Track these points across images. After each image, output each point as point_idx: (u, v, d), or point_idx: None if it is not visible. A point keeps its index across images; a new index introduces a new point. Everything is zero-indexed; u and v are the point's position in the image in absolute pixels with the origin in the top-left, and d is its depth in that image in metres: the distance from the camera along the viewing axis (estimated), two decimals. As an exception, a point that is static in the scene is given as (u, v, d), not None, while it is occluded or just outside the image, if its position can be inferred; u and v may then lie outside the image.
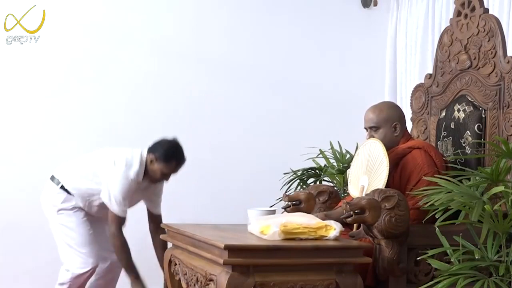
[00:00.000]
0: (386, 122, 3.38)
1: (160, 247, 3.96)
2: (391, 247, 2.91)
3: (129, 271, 3.87)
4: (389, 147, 3.32)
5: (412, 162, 3.25)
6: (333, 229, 2.86)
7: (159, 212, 4.12)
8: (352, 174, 3.41)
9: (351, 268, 2.79)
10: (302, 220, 2.90)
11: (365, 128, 3.44)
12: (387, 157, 3.15)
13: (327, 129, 5.08)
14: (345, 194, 4.17)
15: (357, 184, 3.30)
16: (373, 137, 3.38)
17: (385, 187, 3.12)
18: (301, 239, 2.81)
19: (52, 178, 3.99)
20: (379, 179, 3.15)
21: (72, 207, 3.93)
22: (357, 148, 4.30)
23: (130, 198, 3.85)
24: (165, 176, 3.93)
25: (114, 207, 3.80)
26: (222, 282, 2.64)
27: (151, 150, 3.90)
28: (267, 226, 2.85)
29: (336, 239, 2.85)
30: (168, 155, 3.85)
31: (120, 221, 3.84)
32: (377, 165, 3.19)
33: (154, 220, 4.08)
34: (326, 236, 2.84)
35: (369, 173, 3.23)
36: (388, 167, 3.11)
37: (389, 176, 3.18)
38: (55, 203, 3.95)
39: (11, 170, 4.85)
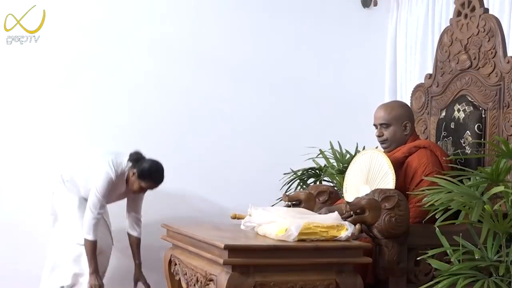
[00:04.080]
0: (397, 120, 3.42)
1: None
2: (391, 247, 2.91)
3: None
4: (397, 145, 3.41)
5: (418, 161, 3.28)
6: (345, 229, 2.82)
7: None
8: (349, 182, 3.41)
9: (351, 268, 2.79)
10: (316, 218, 2.87)
11: (375, 125, 3.48)
12: (393, 169, 3.16)
13: (327, 129, 5.07)
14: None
15: (354, 194, 3.28)
16: (383, 134, 3.44)
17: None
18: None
19: None
20: None
21: None
22: (356, 148, 4.31)
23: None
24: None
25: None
26: (222, 282, 2.64)
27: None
28: (283, 228, 2.81)
29: (347, 240, 2.82)
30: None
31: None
32: (380, 176, 3.19)
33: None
34: (337, 237, 2.81)
35: (371, 184, 3.22)
36: (394, 180, 3.12)
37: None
38: None
39: (10, 170, 4.84)
